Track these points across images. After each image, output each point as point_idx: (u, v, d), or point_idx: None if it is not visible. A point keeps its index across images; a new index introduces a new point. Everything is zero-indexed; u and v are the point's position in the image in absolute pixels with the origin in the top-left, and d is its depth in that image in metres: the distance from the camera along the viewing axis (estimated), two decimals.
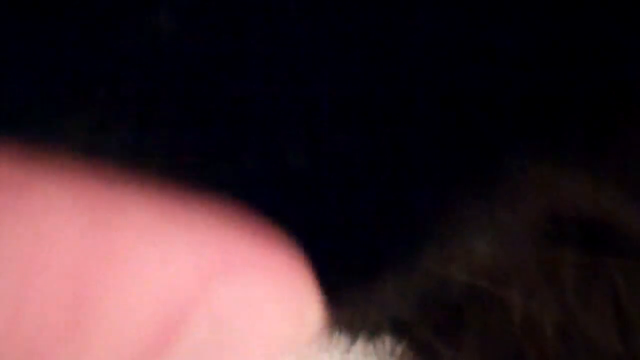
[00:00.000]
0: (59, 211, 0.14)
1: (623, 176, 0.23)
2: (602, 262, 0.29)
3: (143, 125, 0.17)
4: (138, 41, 0.16)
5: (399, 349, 0.36)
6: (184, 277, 0.15)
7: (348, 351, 0.38)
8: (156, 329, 0.15)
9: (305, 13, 0.17)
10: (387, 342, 0.37)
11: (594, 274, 0.29)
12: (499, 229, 0.26)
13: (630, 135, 0.21)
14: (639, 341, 0.31)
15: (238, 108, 0.18)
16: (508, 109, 0.20)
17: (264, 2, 0.17)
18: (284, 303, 0.16)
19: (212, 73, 0.17)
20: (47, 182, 0.14)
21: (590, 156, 0.22)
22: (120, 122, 0.17)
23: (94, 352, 0.14)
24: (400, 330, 0.36)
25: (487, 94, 0.19)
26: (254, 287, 0.15)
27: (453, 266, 0.27)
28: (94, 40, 0.16)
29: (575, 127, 0.21)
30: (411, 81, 0.19)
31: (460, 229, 0.23)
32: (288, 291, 0.16)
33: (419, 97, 0.19)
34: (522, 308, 0.30)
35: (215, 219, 0.15)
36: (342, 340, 0.37)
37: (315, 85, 0.18)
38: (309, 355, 0.39)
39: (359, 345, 0.38)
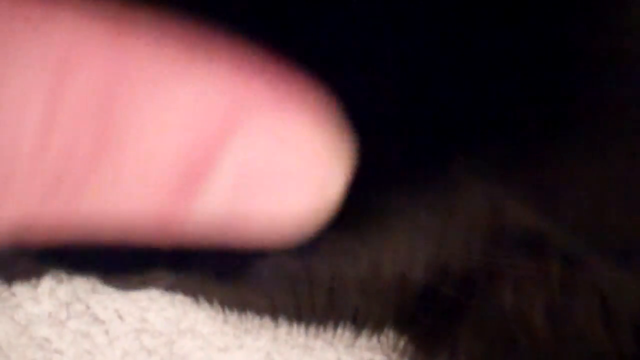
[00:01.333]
0: (89, 31, 0.14)
1: (556, 193, 0.26)
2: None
3: None
4: None
5: (401, 343, 0.38)
6: (212, 113, 0.14)
7: (353, 345, 0.40)
8: (186, 164, 0.14)
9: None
10: (390, 336, 0.38)
11: (579, 267, 0.32)
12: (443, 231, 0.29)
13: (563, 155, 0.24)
14: (622, 329, 0.33)
15: None
16: (455, 128, 0.23)
17: None
18: (314, 143, 0.15)
19: None
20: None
21: (525, 174, 0.24)
22: None
23: (124, 185, 0.14)
24: (402, 324, 0.37)
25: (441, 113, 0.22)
26: (283, 125, 0.15)
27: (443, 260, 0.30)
28: None
29: (516, 146, 0.23)
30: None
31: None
32: (318, 131, 0.15)
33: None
34: (513, 298, 0.33)
35: (241, 58, 0.15)
36: (346, 334, 0.39)
37: None
38: (314, 349, 0.41)
39: (363, 340, 0.40)
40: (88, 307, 0.39)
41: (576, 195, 0.25)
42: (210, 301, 0.38)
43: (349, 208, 0.24)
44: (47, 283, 0.39)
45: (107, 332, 0.40)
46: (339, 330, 0.38)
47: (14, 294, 0.39)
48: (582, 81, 0.22)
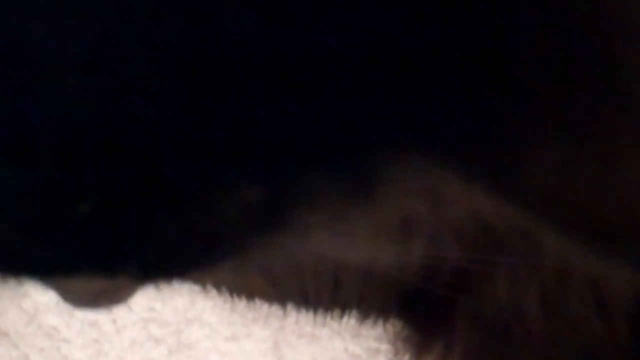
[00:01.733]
0: None
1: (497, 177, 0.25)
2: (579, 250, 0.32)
3: None
4: None
5: (405, 332, 0.39)
6: None
7: (359, 335, 0.41)
8: None
9: None
10: (394, 325, 0.39)
11: (573, 259, 0.33)
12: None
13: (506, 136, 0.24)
14: (616, 319, 0.33)
15: None
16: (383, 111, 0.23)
17: None
18: None
19: None
20: None
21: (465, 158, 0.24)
22: None
23: None
24: (405, 313, 0.38)
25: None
26: None
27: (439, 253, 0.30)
28: None
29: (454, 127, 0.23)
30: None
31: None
32: None
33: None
34: (507, 290, 0.33)
35: None
36: (352, 324, 0.40)
37: None
38: (321, 338, 0.41)
39: (370, 329, 0.40)
40: None
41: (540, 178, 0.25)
42: (218, 289, 0.39)
43: (339, 207, 0.24)
44: None
45: (114, 321, 0.40)
46: (345, 319, 0.39)
47: (21, 283, 0.39)
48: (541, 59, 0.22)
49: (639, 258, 0.25)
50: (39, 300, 0.40)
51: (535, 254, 0.32)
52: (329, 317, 0.39)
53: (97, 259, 0.20)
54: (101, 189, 0.19)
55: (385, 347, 0.41)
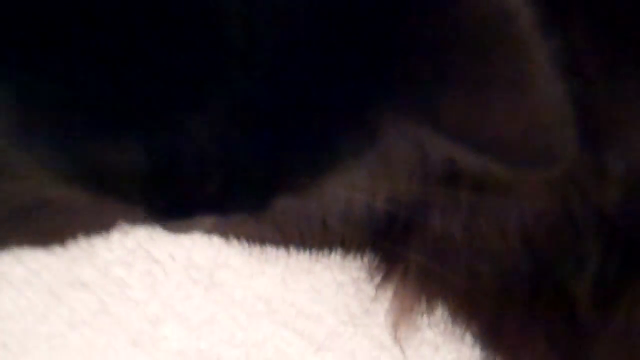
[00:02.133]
0: None
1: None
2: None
3: None
4: None
5: (375, 262, 0.49)
6: None
7: (344, 266, 0.51)
8: None
9: None
10: (369, 257, 0.49)
11: (483, 194, 0.42)
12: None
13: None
14: (512, 237, 0.43)
15: None
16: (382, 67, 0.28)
17: None
18: None
19: None
20: None
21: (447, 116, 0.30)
22: None
23: None
24: (376, 247, 0.49)
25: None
26: None
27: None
28: None
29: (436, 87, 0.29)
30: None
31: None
32: None
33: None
34: (441, 220, 0.44)
35: None
36: (338, 258, 0.50)
37: None
38: (315, 271, 0.52)
39: (351, 261, 0.51)
40: (148, 252, 0.51)
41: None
42: (238, 238, 0.49)
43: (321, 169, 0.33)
44: (116, 235, 0.51)
45: (164, 270, 0.51)
46: (333, 255, 0.49)
47: (92, 245, 0.50)
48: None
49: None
50: (106, 257, 0.50)
51: (457, 192, 0.42)
52: (320, 255, 0.50)
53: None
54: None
55: (364, 275, 0.51)
